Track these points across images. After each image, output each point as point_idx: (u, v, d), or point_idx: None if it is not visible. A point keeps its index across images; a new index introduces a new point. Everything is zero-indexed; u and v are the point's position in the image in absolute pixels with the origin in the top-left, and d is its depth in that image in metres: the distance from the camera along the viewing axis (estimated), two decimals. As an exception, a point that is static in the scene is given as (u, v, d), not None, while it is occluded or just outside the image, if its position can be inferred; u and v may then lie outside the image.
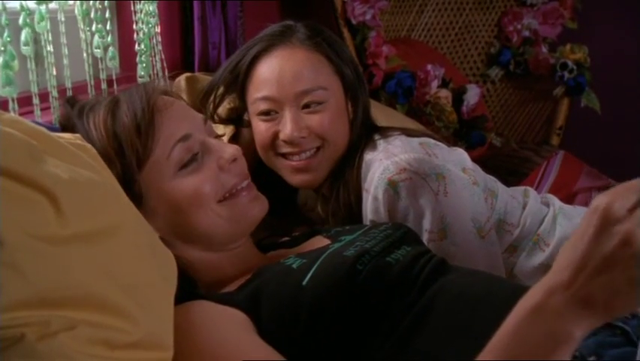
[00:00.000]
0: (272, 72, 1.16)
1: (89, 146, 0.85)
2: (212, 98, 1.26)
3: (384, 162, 1.11)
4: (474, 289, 0.87)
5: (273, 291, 0.85)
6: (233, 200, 0.98)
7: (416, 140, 1.17)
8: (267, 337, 0.82)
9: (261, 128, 1.18)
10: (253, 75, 1.18)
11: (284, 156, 1.18)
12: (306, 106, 1.15)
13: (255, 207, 1.01)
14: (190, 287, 0.99)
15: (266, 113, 1.17)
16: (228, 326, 0.83)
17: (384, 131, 1.23)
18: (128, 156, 0.91)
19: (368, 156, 1.16)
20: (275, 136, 1.17)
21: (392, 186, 1.08)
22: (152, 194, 0.94)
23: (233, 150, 0.98)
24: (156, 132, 0.93)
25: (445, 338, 0.81)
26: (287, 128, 1.14)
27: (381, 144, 1.17)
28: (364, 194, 1.14)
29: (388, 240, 0.96)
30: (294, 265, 0.88)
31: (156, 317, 0.74)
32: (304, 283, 0.84)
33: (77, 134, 0.88)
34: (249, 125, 1.25)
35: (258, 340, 0.81)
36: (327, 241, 1.02)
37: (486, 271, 1.00)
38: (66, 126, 0.97)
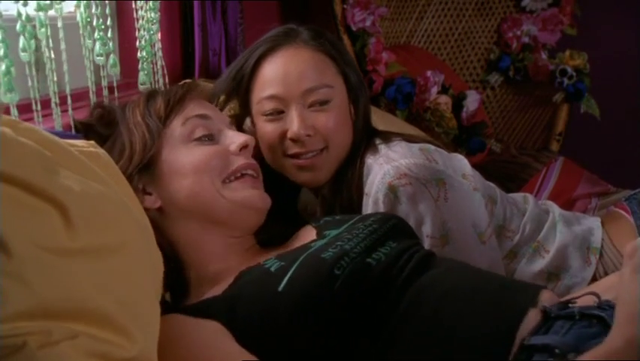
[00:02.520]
0: (277, 71, 1.16)
1: (101, 152, 0.86)
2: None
3: (384, 167, 1.11)
4: (459, 286, 0.87)
5: (249, 295, 0.86)
6: (237, 183, 1.02)
7: (416, 145, 1.17)
8: (247, 342, 0.82)
9: (267, 129, 1.18)
10: (258, 76, 1.18)
11: (291, 156, 1.18)
12: (312, 105, 1.16)
13: (258, 197, 1.03)
14: (174, 290, 1.00)
15: (272, 113, 1.16)
16: (203, 339, 0.83)
17: (386, 136, 1.23)
18: (153, 120, 1.01)
19: (369, 159, 1.17)
20: (282, 136, 1.16)
21: (392, 191, 1.09)
22: (163, 158, 1.00)
23: (247, 137, 1.05)
24: (182, 108, 1.04)
25: (429, 339, 0.81)
26: (294, 125, 1.14)
27: (382, 148, 1.18)
28: (364, 198, 1.14)
29: (372, 236, 0.94)
30: (272, 268, 0.88)
31: (149, 335, 0.75)
32: (280, 288, 0.83)
33: (91, 142, 0.89)
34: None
35: (233, 347, 0.81)
36: (313, 232, 1.03)
37: (472, 266, 0.99)
38: (99, 123, 1.06)
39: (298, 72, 1.15)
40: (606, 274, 1.20)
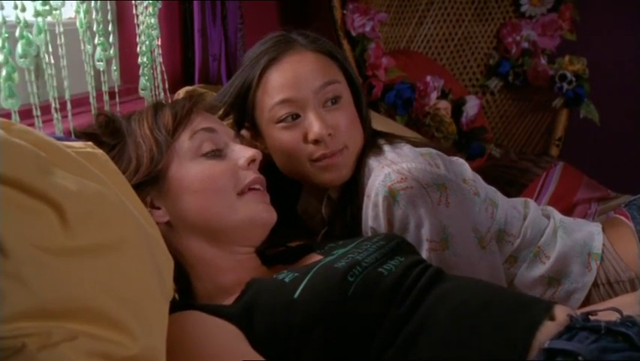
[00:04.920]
0: (286, 77, 1.15)
1: (98, 152, 0.86)
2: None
3: (386, 169, 1.11)
4: (472, 299, 0.87)
5: (265, 305, 0.86)
6: (248, 196, 1.02)
7: (419, 149, 1.18)
8: (261, 350, 0.82)
9: (285, 137, 1.16)
10: (265, 86, 1.16)
11: (315, 160, 1.16)
12: (325, 104, 1.15)
13: (265, 211, 1.03)
14: (185, 297, 1.00)
15: (287, 118, 1.15)
16: (221, 336, 0.84)
17: (389, 137, 1.23)
18: (162, 133, 1.01)
19: (371, 160, 1.17)
20: (304, 139, 1.15)
21: (392, 195, 1.09)
22: (172, 173, 1.00)
23: (254, 152, 1.04)
24: (189, 122, 1.03)
25: (444, 350, 0.81)
26: (314, 126, 1.13)
27: (385, 149, 1.18)
28: (365, 199, 1.14)
29: (381, 251, 0.96)
30: (286, 279, 0.89)
31: (153, 333, 0.74)
32: (295, 296, 0.85)
33: (89, 142, 0.89)
34: None
35: (249, 350, 0.82)
36: (319, 257, 1.03)
37: (484, 280, 1.01)
38: (104, 132, 1.04)
39: (307, 73, 1.15)
40: (607, 279, 1.20)
